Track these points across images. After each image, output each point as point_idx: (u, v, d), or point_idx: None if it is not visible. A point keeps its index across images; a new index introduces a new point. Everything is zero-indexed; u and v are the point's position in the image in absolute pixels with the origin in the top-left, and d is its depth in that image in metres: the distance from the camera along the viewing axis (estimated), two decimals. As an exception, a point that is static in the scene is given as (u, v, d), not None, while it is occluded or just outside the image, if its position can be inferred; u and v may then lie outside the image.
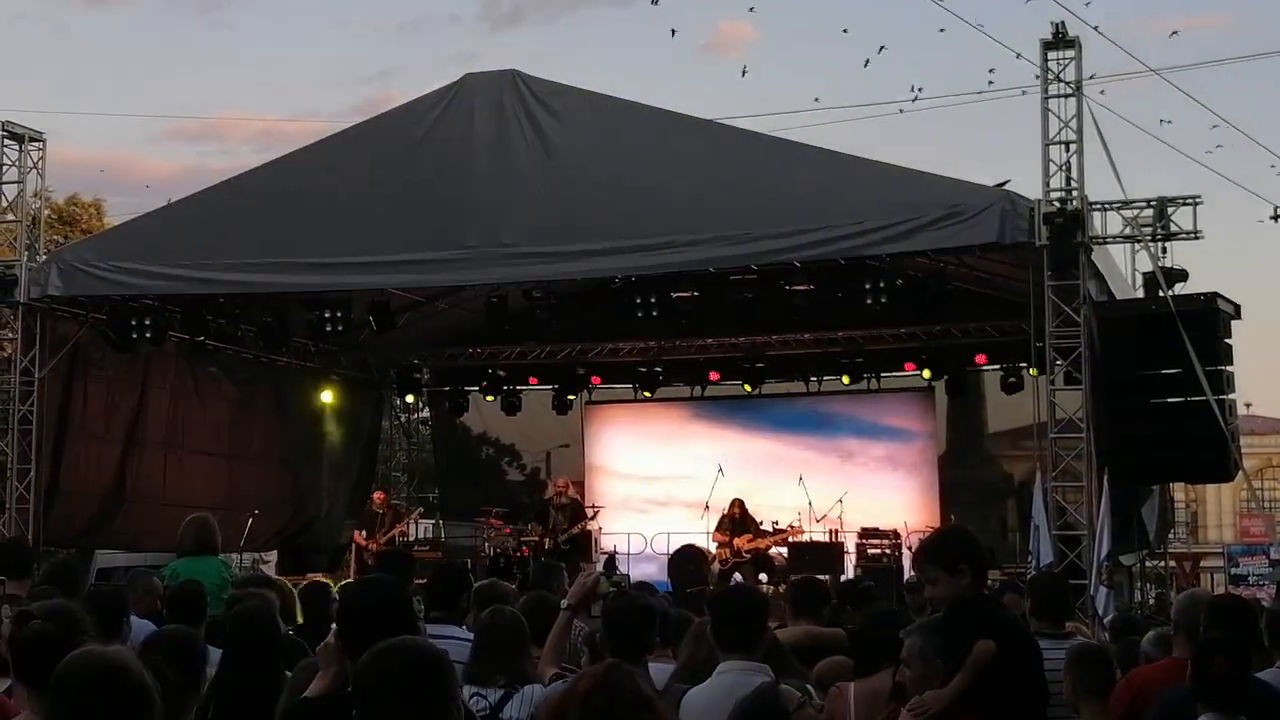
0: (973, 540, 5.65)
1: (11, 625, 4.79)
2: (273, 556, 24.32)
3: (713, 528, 21.21)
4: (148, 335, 18.54)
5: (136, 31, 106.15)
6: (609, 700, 3.90)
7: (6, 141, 18.71)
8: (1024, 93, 17.49)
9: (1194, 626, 6.39)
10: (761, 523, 21.13)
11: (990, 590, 7.24)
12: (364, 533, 21.59)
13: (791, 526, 21.00)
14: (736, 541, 20.80)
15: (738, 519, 21.02)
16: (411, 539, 22.35)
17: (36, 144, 18.89)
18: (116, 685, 3.64)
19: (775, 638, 6.59)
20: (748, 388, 23.88)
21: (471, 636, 6.69)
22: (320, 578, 17.60)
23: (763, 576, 19.84)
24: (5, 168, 18.80)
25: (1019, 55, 15.91)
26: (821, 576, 12.71)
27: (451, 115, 16.95)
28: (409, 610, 4.64)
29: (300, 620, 8.73)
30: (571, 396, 25.10)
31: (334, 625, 4.84)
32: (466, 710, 4.62)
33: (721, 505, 21.41)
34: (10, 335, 18.76)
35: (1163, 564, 21.55)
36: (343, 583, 13.93)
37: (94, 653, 3.77)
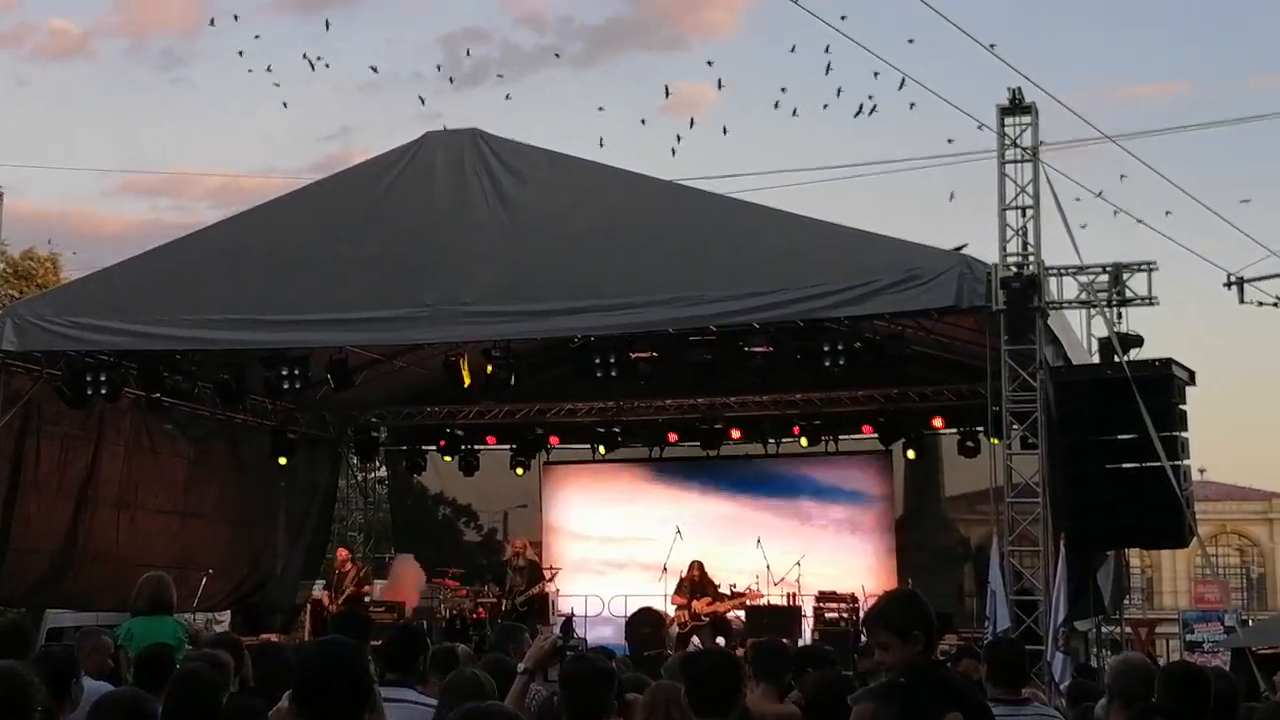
0: (924, 605, 5.60)
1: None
2: (226, 616, 24.07)
3: (671, 590, 21.17)
4: (103, 391, 18.38)
5: (97, 85, 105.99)
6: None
7: (-37, 195, 18.61)
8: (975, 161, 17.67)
9: (1128, 694, 6.38)
10: (720, 585, 21.10)
11: (946, 656, 7.22)
12: (330, 592, 21.55)
13: (750, 590, 20.97)
14: (695, 605, 20.76)
15: (697, 581, 20.99)
16: (369, 599, 22.18)
17: (-7, 198, 18.82)
18: None
19: (746, 705, 6.52)
20: (704, 446, 23.85)
21: (426, 700, 6.63)
22: (274, 638, 17.45)
23: (720, 640, 19.77)
24: (-38, 221, 18.70)
25: (981, 125, 16.02)
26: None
27: (412, 173, 16.96)
28: (366, 674, 4.58)
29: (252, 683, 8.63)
30: (529, 456, 25.02)
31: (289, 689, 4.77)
32: None
33: (680, 567, 21.38)
34: (-37, 390, 18.55)
35: (1118, 630, 21.53)
36: (297, 644, 13.82)
37: None
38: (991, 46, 15.96)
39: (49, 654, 7.23)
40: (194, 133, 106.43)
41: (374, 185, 17.10)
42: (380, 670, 7.04)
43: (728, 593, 21.03)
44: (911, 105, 18.00)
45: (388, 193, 16.96)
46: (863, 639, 17.36)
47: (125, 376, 18.73)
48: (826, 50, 19.95)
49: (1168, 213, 18.25)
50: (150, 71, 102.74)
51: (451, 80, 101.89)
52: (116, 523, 20.55)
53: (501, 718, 3.89)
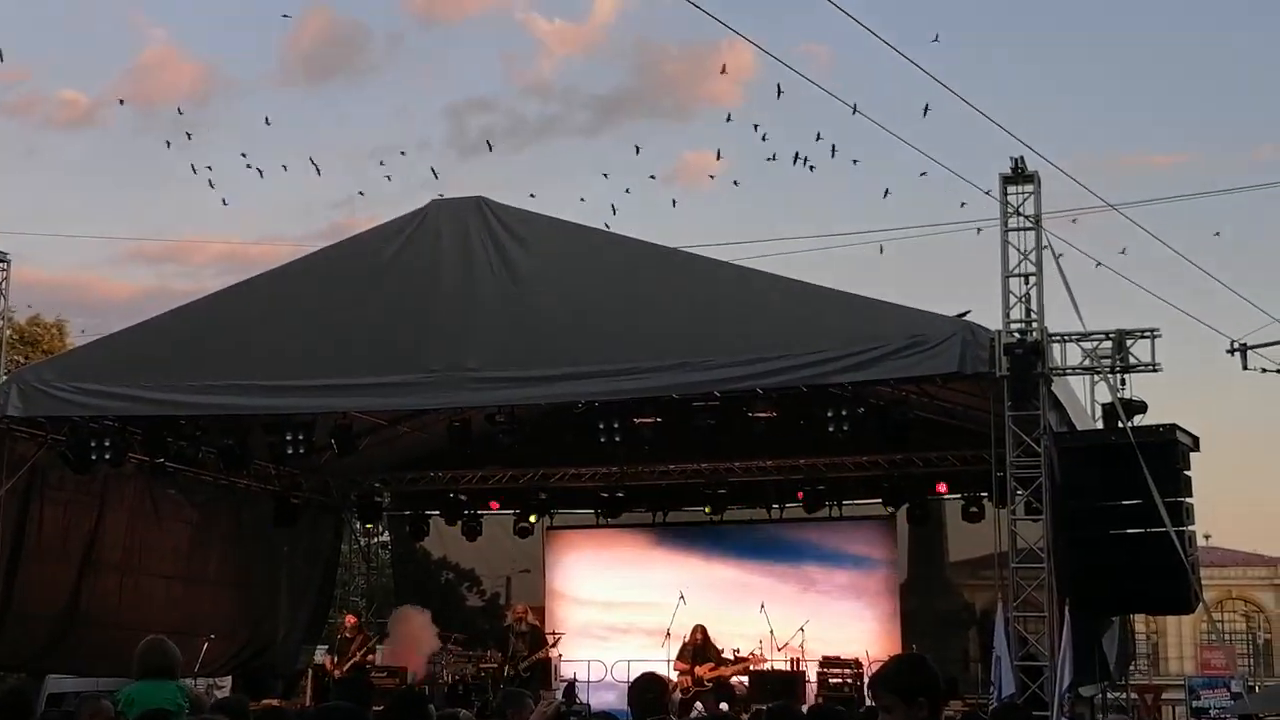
0: (930, 670, 5.58)
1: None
2: (227, 681, 23.96)
3: (674, 655, 21.08)
4: (107, 456, 18.40)
5: (104, 154, 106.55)
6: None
7: (-29, 262, 18.71)
8: (980, 231, 17.78)
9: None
10: (723, 650, 21.03)
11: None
12: (333, 657, 21.48)
13: (753, 654, 20.91)
14: (698, 670, 20.69)
15: (700, 646, 20.94)
16: (371, 666, 22.10)
17: (1, 264, 18.88)
18: None
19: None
20: (708, 511, 23.83)
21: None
22: (276, 703, 17.37)
23: (724, 706, 19.69)
24: (-31, 288, 18.77)
25: (988, 193, 16.06)
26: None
27: (418, 240, 17.04)
28: None
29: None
30: (533, 521, 24.99)
31: None
32: None
33: (683, 632, 21.31)
34: (-32, 455, 18.57)
35: (1124, 695, 21.42)
36: (301, 710, 13.76)
37: None
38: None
39: (50, 720, 7.23)
40: (200, 199, 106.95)
41: (380, 252, 17.18)
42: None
43: (731, 657, 20.97)
44: (922, 174, 18.02)
45: (393, 259, 17.04)
46: (868, 703, 17.36)
47: (129, 442, 18.77)
48: (818, 138, 20.24)
49: (1171, 283, 18.28)
50: (159, 140, 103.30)
51: (458, 149, 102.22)
52: (119, 587, 20.52)
53: None
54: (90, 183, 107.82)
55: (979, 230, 17.74)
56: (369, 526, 26.77)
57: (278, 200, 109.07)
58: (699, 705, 19.35)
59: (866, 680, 20.17)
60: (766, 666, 21.03)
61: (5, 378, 18.56)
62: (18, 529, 18.75)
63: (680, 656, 21.00)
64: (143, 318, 18.61)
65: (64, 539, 19.64)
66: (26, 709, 7.95)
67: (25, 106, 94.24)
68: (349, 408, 18.19)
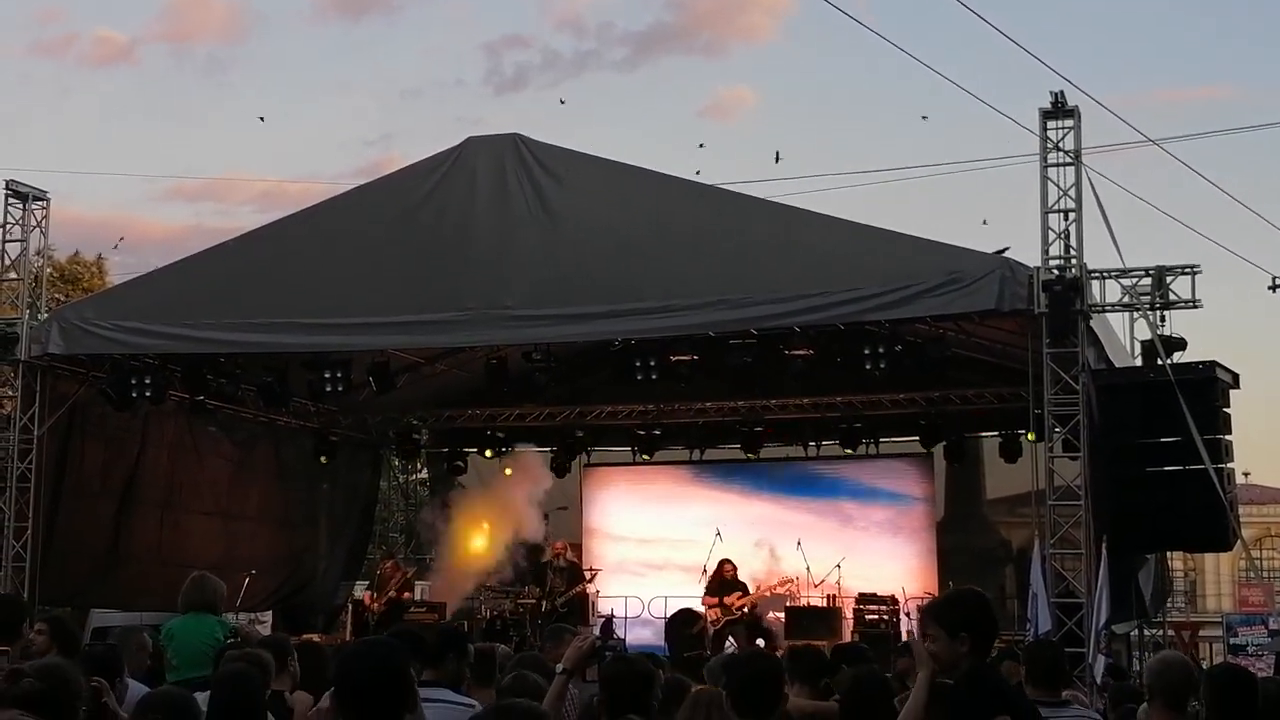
0: (977, 606, 5.56)
1: (3, 683, 4.75)
2: (268, 616, 24.22)
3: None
4: (147, 394, 18.53)
5: (141, 92, 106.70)
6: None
7: (10, 200, 18.79)
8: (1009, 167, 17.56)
9: (1170, 691, 6.33)
10: (758, 586, 21.16)
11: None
12: (373, 593, 21.70)
13: (783, 582, 21.04)
14: (727, 599, 20.75)
15: (728, 579, 20.99)
16: (411, 600, 22.30)
17: (40, 203, 18.96)
18: None
19: (787, 708, 6.52)
20: (743, 449, 23.83)
21: (464, 700, 6.67)
22: (316, 638, 17.53)
23: (760, 641, 19.76)
24: (9, 226, 18.87)
25: (1035, 131, 15.88)
26: (819, 643, 12.67)
27: (453, 178, 17.02)
28: (407, 674, 4.60)
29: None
30: (570, 459, 25.06)
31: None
32: None
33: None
34: (10, 393, 18.75)
35: (1160, 633, 21.42)
36: (339, 644, 13.88)
37: None
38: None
39: (92, 653, 7.32)
40: (236, 137, 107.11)
41: (416, 190, 17.17)
42: (418, 670, 7.05)
43: (753, 589, 21.07)
44: (923, 117, 17.84)
45: (429, 197, 17.03)
46: (902, 639, 17.43)
47: (170, 379, 18.89)
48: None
49: (1213, 216, 18.12)
50: (195, 78, 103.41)
51: (493, 86, 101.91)
52: (160, 524, 20.71)
53: (529, 716, 3.92)
54: (127, 121, 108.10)
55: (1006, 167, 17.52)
56: (407, 464, 26.91)
57: (313, 138, 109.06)
58: (730, 639, 19.42)
59: (903, 616, 20.28)
60: (803, 602, 21.12)
61: (46, 316, 18.68)
62: (59, 466, 18.92)
63: (708, 591, 21.09)
64: (181, 256, 18.70)
65: (105, 476, 19.82)
66: (74, 639, 8.05)
67: (61, 45, 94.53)
68: (386, 345, 18.26)
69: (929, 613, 5.67)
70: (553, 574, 21.65)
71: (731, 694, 5.92)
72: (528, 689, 6.37)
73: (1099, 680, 13.75)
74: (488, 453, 25.06)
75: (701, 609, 20.94)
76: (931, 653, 5.50)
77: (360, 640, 6.66)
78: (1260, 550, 61.36)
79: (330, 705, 4.60)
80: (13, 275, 18.97)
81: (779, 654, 9.71)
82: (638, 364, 18.11)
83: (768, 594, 21.08)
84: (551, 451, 24.95)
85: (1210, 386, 15.23)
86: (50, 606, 18.37)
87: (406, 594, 21.97)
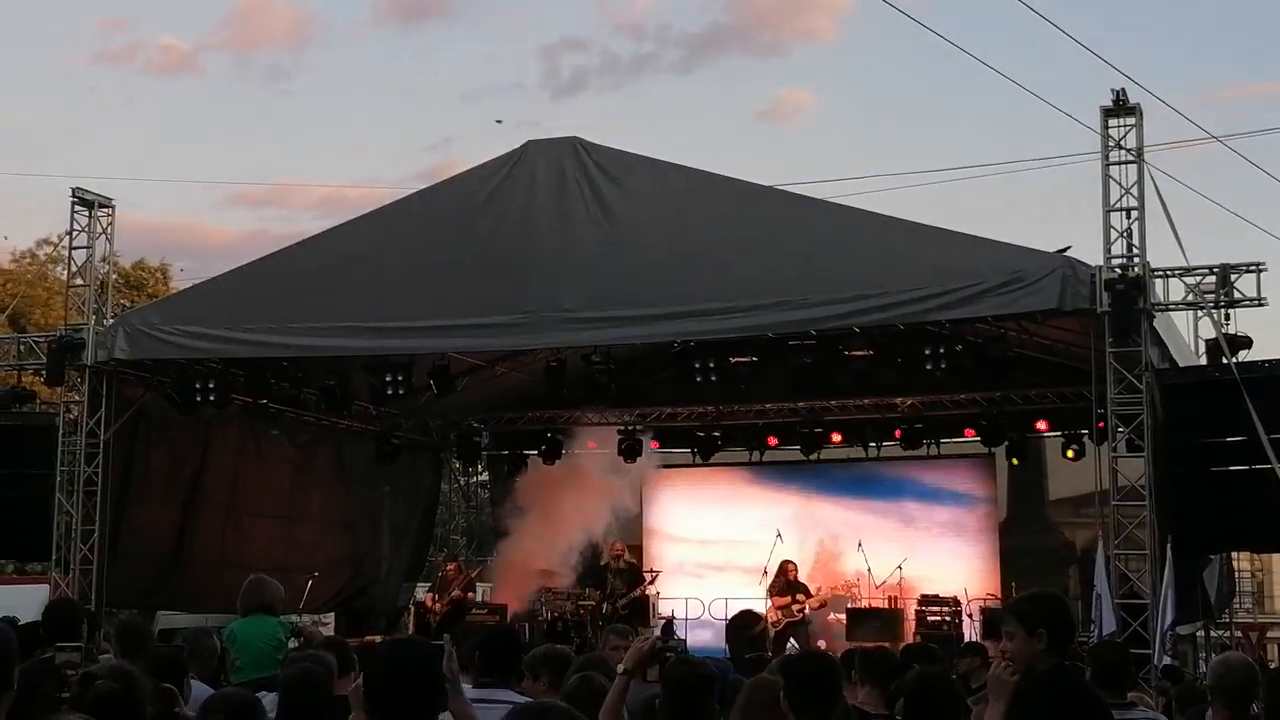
0: (1056, 606, 5.53)
1: (78, 687, 4.82)
2: (331, 618, 24.39)
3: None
4: (211, 398, 18.71)
5: (204, 100, 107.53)
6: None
7: (76, 208, 18.98)
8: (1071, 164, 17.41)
9: (1231, 693, 6.28)
10: (819, 589, 21.12)
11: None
12: (434, 595, 21.81)
13: (846, 584, 21.01)
14: (780, 600, 20.73)
15: (791, 581, 20.97)
16: (473, 601, 22.40)
17: (106, 210, 19.13)
18: None
19: (847, 706, 6.48)
20: (803, 450, 23.73)
21: (524, 701, 6.68)
22: (376, 639, 17.63)
23: (821, 643, 19.73)
24: (75, 233, 19.07)
25: (1096, 130, 15.74)
26: (884, 644, 12.62)
27: (513, 181, 17.05)
28: (438, 679, 4.61)
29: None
30: (630, 460, 25.04)
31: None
32: None
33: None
34: (77, 398, 18.94)
35: (1227, 634, 21.20)
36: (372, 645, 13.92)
37: None
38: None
39: (158, 654, 7.40)
40: (297, 143, 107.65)
41: (476, 194, 17.21)
42: (477, 671, 7.07)
43: (813, 592, 21.04)
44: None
45: (489, 201, 17.07)
46: (966, 639, 17.32)
47: (233, 383, 19.04)
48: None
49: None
50: (256, 85, 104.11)
51: (550, 90, 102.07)
52: (224, 527, 20.89)
53: (557, 715, 3.93)
54: (190, 128, 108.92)
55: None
56: (468, 466, 27.01)
57: (373, 144, 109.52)
58: (792, 640, 19.38)
59: (966, 618, 20.18)
60: (864, 604, 21.06)
61: (112, 321, 18.87)
62: (125, 470, 19.12)
63: (774, 591, 21.06)
64: (243, 261, 18.84)
65: (169, 479, 20.02)
66: (142, 638, 8.16)
67: (126, 54, 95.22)
68: (447, 348, 18.35)
69: (1008, 609, 5.67)
70: (612, 576, 21.68)
71: (789, 693, 5.88)
72: (594, 691, 6.35)
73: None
74: (551, 464, 25.09)
75: (763, 609, 20.92)
76: (1008, 651, 5.47)
77: (395, 639, 6.69)
78: (1328, 550, 60.56)
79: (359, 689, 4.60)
80: (79, 281, 19.15)
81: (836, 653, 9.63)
82: (697, 365, 18.13)
83: (830, 595, 21.06)
84: (613, 451, 24.88)
85: (1276, 385, 15.04)
86: (116, 609, 18.60)
87: (470, 594, 22.08)
